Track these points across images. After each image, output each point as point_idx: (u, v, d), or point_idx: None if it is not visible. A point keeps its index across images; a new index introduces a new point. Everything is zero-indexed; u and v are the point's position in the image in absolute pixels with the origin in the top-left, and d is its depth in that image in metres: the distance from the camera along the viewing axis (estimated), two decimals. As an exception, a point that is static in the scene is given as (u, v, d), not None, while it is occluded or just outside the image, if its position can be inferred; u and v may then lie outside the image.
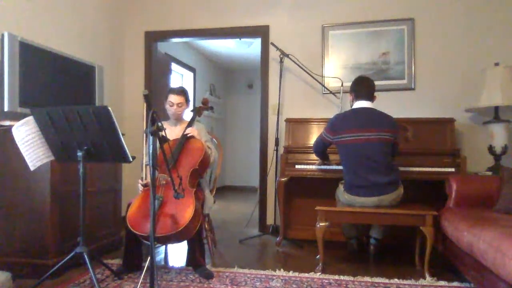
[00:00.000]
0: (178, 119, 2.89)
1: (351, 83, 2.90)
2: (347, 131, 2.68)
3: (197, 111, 2.94)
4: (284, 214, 3.35)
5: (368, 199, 2.63)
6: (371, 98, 2.77)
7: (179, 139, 2.69)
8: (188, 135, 2.70)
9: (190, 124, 2.82)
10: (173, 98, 2.80)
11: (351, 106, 2.84)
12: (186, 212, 2.31)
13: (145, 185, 2.55)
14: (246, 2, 4.00)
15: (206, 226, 2.87)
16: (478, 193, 2.63)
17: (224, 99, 8.04)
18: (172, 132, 2.77)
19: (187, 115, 2.96)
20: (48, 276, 2.23)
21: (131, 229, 2.30)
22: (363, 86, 2.78)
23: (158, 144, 1.93)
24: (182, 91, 2.84)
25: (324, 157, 3.05)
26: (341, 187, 2.84)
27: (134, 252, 2.54)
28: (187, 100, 2.86)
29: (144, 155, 2.46)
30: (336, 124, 2.75)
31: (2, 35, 2.50)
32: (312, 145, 3.34)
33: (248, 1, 3.99)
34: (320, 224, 2.63)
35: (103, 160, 2.20)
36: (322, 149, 2.92)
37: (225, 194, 7.20)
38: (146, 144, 2.47)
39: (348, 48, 3.75)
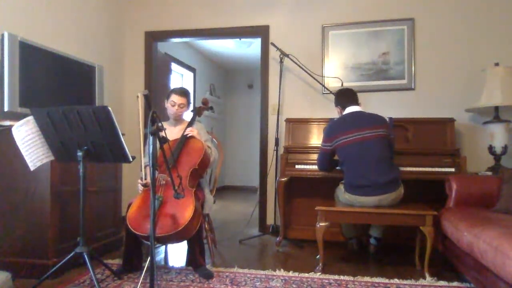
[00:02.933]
0: (178, 119, 2.89)
1: (335, 97, 2.97)
2: (344, 133, 2.70)
3: (197, 111, 2.95)
4: (284, 214, 3.34)
5: (368, 198, 2.63)
6: (358, 103, 2.86)
7: (179, 139, 2.69)
8: (188, 135, 2.71)
9: (190, 124, 2.82)
10: (176, 98, 2.80)
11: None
12: (186, 212, 2.31)
13: (145, 185, 2.55)
14: (246, 2, 3.99)
15: (206, 226, 2.86)
16: (478, 193, 2.63)
17: (224, 99, 8.04)
18: (171, 132, 2.76)
19: (187, 115, 2.96)
20: (48, 276, 2.23)
21: (131, 229, 2.30)
22: (348, 95, 2.90)
23: (158, 144, 1.93)
24: (185, 93, 2.84)
25: (331, 168, 2.97)
26: (341, 187, 2.84)
27: (134, 252, 2.54)
28: (188, 103, 2.87)
29: (143, 155, 2.46)
30: (331, 130, 2.79)
31: (2, 35, 2.49)
32: (312, 145, 3.36)
33: (248, 1, 3.99)
34: (320, 224, 2.63)
35: (103, 160, 2.20)
36: (327, 162, 2.89)
37: (225, 194, 7.19)
38: (145, 144, 2.47)
39: (348, 48, 3.75)
